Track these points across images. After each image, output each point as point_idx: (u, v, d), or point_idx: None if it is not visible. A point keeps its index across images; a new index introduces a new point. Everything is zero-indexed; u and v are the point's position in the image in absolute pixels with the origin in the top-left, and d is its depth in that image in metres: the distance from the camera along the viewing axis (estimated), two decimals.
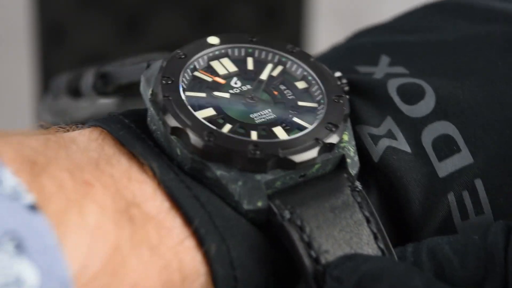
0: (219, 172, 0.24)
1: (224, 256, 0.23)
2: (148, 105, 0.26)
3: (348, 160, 0.26)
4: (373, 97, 0.28)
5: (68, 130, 0.25)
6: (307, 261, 0.24)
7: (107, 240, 0.20)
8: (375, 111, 0.28)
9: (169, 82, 0.26)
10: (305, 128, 0.26)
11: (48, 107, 0.38)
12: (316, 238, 0.24)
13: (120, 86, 0.32)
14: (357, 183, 0.26)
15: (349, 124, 0.27)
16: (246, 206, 0.24)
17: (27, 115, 0.97)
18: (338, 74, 0.29)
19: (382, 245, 0.25)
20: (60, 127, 0.26)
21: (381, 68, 0.30)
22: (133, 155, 0.24)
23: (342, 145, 0.26)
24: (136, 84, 0.29)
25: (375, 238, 0.25)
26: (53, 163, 0.21)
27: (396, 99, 0.28)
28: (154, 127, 0.26)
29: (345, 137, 0.27)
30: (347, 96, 0.28)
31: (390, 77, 0.29)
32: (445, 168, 0.27)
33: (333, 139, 0.26)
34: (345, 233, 0.25)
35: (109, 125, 0.25)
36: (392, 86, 0.28)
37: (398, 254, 0.25)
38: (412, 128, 0.27)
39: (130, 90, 0.31)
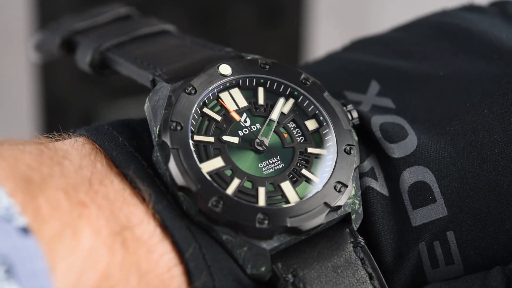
0: (225, 236, 0.25)
1: None
2: (155, 146, 0.26)
3: (353, 216, 0.27)
4: (360, 132, 0.28)
5: (59, 140, 0.25)
6: None
7: (99, 266, 0.20)
8: (361, 145, 0.28)
9: (178, 128, 0.26)
10: (313, 182, 0.26)
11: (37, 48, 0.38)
12: None
13: (116, 72, 0.32)
14: (360, 238, 0.26)
15: (356, 173, 0.27)
16: (249, 271, 0.25)
17: (27, 115, 0.97)
18: (350, 107, 0.28)
19: None
20: (52, 135, 0.26)
21: (369, 97, 0.30)
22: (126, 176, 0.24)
23: (349, 201, 0.26)
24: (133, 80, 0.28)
25: None
26: (49, 182, 0.21)
27: (379, 136, 0.28)
28: (161, 170, 0.26)
29: (352, 192, 0.27)
30: (357, 141, 0.28)
31: (375, 112, 0.29)
32: (419, 217, 0.27)
33: (342, 201, 0.26)
34: None
35: (103, 142, 0.25)
36: (376, 123, 0.28)
37: None
38: (393, 169, 0.28)
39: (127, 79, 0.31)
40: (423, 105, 0.29)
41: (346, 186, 0.26)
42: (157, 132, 0.26)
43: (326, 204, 0.25)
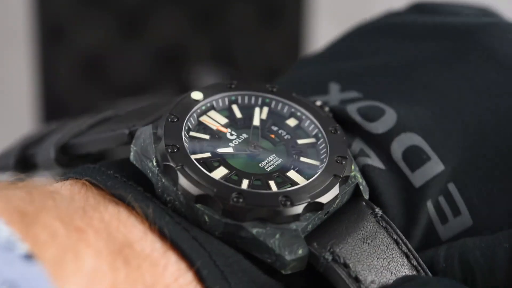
0: (255, 230, 0.25)
1: None
2: (157, 177, 0.26)
3: (361, 187, 0.27)
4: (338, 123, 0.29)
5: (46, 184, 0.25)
6: None
7: (104, 284, 0.20)
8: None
9: (175, 150, 0.26)
10: (315, 166, 0.27)
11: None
12: (361, 272, 0.25)
13: (87, 155, 0.32)
14: (377, 209, 0.27)
15: (349, 151, 0.28)
16: (288, 257, 0.25)
17: (27, 115, 0.97)
18: (318, 103, 0.30)
19: (415, 263, 0.26)
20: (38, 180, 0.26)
21: (334, 95, 0.31)
22: (120, 201, 0.24)
23: (352, 174, 0.27)
24: (106, 150, 0.28)
25: (407, 257, 0.26)
26: (43, 212, 0.21)
27: (359, 119, 0.29)
28: (169, 197, 0.25)
29: (352, 166, 0.27)
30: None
31: (347, 103, 0.30)
32: (419, 178, 0.28)
33: (347, 171, 0.27)
34: (383, 260, 0.25)
35: (95, 177, 0.25)
36: (352, 109, 0.29)
37: (431, 260, 0.26)
38: (381, 144, 0.28)
39: (101, 155, 0.31)
40: (389, 88, 0.30)
41: (346, 157, 0.27)
42: (155, 163, 0.26)
43: (335, 176, 0.26)
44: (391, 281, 0.25)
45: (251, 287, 0.24)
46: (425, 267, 0.25)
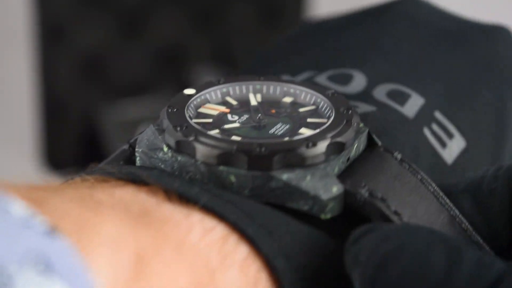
0: (285, 176, 0.24)
1: (277, 247, 0.23)
2: (171, 159, 0.25)
3: (373, 135, 0.27)
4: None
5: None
6: None
7: (128, 250, 0.20)
8: None
9: (184, 127, 0.26)
10: (323, 123, 0.26)
11: None
12: (398, 206, 0.24)
13: None
14: (396, 153, 0.26)
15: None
16: (324, 195, 0.24)
17: (27, 115, 0.97)
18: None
19: (443, 202, 0.25)
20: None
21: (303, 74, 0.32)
22: (134, 183, 0.24)
23: (361, 124, 0.27)
24: None
25: (435, 196, 0.25)
26: (56, 196, 0.21)
27: (332, 86, 0.30)
28: (189, 173, 0.25)
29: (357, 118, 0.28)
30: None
31: (316, 75, 0.31)
32: (410, 110, 0.29)
33: (357, 118, 0.26)
34: (415, 196, 0.25)
35: (108, 170, 0.25)
36: (322, 80, 0.30)
37: (476, 183, 0.25)
38: (363, 97, 0.29)
39: None
40: (352, 59, 0.32)
41: (351, 108, 0.27)
42: (165, 148, 0.25)
43: (347, 122, 0.26)
44: (425, 217, 0.25)
45: (296, 239, 0.23)
46: (451, 204, 0.25)
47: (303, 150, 0.24)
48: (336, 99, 0.27)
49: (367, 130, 0.27)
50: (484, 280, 0.20)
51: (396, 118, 0.29)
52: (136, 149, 0.26)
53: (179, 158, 0.25)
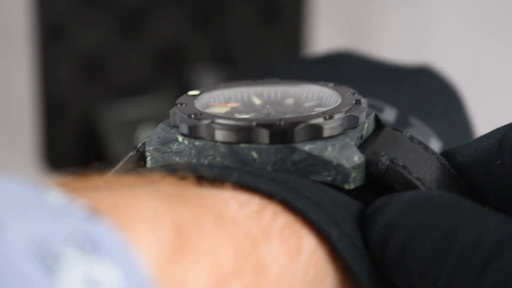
0: (307, 147, 0.24)
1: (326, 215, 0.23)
2: (188, 146, 0.25)
3: (380, 118, 0.28)
4: None
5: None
6: None
7: (168, 223, 0.20)
8: None
9: (199, 114, 0.25)
10: (331, 109, 0.27)
11: None
12: (419, 172, 0.25)
13: None
14: (405, 131, 0.27)
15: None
16: (347, 164, 0.24)
17: (27, 115, 0.97)
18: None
19: (455, 173, 0.26)
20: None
21: None
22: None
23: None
24: None
25: (446, 168, 0.26)
26: (87, 183, 0.21)
27: None
28: (208, 157, 0.25)
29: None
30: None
31: None
32: (388, 116, 0.31)
33: (364, 100, 0.27)
34: (430, 166, 0.26)
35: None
36: None
37: (486, 152, 0.25)
38: None
39: None
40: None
41: (356, 92, 0.27)
42: (180, 138, 0.25)
43: (356, 101, 0.26)
44: (441, 184, 0.25)
45: (341, 207, 0.24)
46: (460, 177, 0.26)
47: (321, 121, 0.25)
48: (339, 88, 0.28)
49: (374, 113, 0.27)
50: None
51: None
52: (147, 149, 0.26)
53: (196, 143, 0.25)
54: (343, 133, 0.25)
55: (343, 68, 0.36)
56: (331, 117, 0.25)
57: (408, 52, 1.00)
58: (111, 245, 0.18)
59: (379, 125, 0.27)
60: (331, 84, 0.28)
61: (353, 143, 0.25)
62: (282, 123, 0.24)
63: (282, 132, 0.24)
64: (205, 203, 0.21)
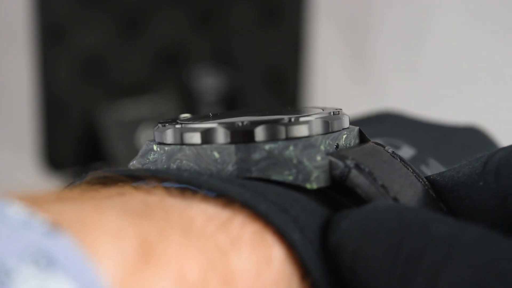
0: (267, 146, 0.24)
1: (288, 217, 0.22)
2: (160, 153, 0.26)
3: (366, 135, 0.27)
4: None
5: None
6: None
7: (131, 237, 0.20)
8: None
9: (171, 120, 0.26)
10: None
11: None
12: (386, 181, 0.24)
13: None
14: (388, 147, 0.26)
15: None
16: (308, 163, 0.24)
17: (27, 115, 0.97)
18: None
19: (433, 194, 0.25)
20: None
21: None
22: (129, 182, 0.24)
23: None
24: None
25: (425, 187, 0.25)
26: (54, 197, 0.21)
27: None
28: (176, 162, 0.25)
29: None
30: None
31: None
32: (403, 154, 0.29)
33: (345, 116, 0.27)
34: (404, 180, 0.25)
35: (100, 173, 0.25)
36: None
37: (468, 178, 0.25)
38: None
39: None
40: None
41: (340, 110, 0.27)
42: (155, 147, 0.26)
43: (333, 113, 0.26)
44: (415, 199, 0.24)
45: (307, 211, 0.23)
46: (439, 199, 0.25)
47: (285, 122, 0.24)
48: (326, 108, 0.27)
49: (358, 128, 0.27)
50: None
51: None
52: (131, 163, 0.27)
53: (166, 148, 0.25)
54: (311, 136, 0.25)
55: (391, 124, 0.35)
56: (297, 119, 0.25)
57: (408, 52, 1.00)
58: (68, 260, 0.17)
59: (363, 140, 0.27)
60: (321, 108, 0.28)
61: (322, 147, 0.25)
62: (244, 123, 0.24)
63: (242, 131, 0.24)
64: (172, 216, 0.21)
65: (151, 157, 0.26)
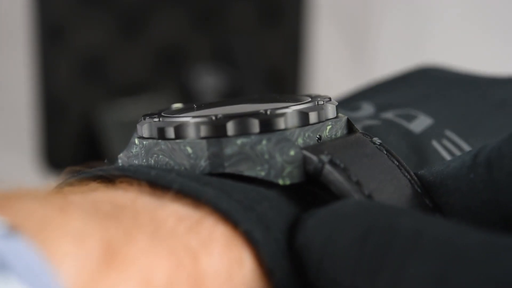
0: (239, 140, 0.24)
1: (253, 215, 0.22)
2: (140, 146, 0.25)
3: (354, 124, 0.26)
4: None
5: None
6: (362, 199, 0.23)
7: (94, 240, 0.19)
8: None
9: (150, 114, 0.26)
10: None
11: None
12: (362, 178, 0.23)
13: None
14: (375, 139, 0.25)
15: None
16: (280, 157, 0.23)
17: (26, 115, 0.97)
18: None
19: (419, 190, 0.24)
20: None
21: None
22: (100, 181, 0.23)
23: (340, 114, 0.26)
24: None
25: (410, 182, 0.24)
26: (23, 199, 0.21)
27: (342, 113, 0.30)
28: (154, 157, 0.25)
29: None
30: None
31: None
32: (417, 126, 0.28)
33: (332, 103, 0.26)
34: (386, 175, 0.24)
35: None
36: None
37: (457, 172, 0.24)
38: (374, 116, 0.29)
39: None
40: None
41: (327, 98, 0.26)
42: (137, 141, 0.26)
43: (318, 102, 0.25)
44: (395, 195, 0.23)
45: (275, 209, 0.23)
46: (427, 194, 0.24)
47: (260, 115, 0.24)
48: (312, 95, 0.27)
49: (346, 117, 0.26)
50: None
51: (402, 132, 0.28)
52: (119, 156, 0.26)
53: (144, 142, 0.25)
54: (286, 128, 0.24)
55: (422, 87, 0.34)
56: (272, 112, 0.24)
57: (409, 53, 1.00)
58: (23, 264, 0.17)
59: (351, 130, 0.26)
60: (313, 95, 0.27)
61: (300, 141, 0.24)
62: (217, 117, 0.24)
63: (215, 126, 0.24)
64: (141, 217, 0.21)
65: (133, 150, 0.26)
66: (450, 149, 0.28)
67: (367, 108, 0.30)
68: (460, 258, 0.18)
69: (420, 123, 0.29)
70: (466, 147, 0.28)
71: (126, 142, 0.27)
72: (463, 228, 0.19)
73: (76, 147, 0.99)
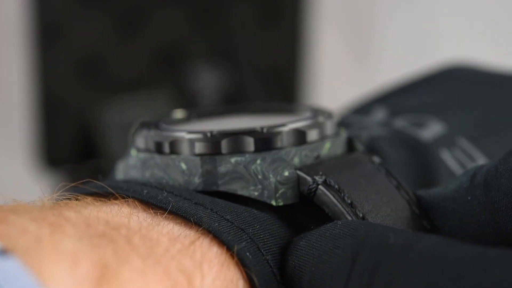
0: (233, 159, 0.23)
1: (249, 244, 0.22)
2: (136, 158, 0.25)
3: (356, 143, 0.26)
4: None
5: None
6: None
7: (89, 261, 0.19)
8: None
9: (147, 124, 0.26)
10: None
11: None
12: (357, 199, 0.23)
13: None
14: (375, 158, 0.25)
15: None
16: (273, 178, 0.23)
17: (24, 114, 0.97)
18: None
19: (417, 211, 0.24)
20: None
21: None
22: (98, 197, 0.23)
23: (341, 131, 0.26)
24: None
25: (409, 203, 0.24)
26: (12, 215, 0.20)
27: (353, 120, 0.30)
28: (149, 170, 0.24)
29: (343, 131, 0.26)
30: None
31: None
32: (427, 134, 0.28)
33: (331, 120, 0.25)
34: (382, 196, 0.23)
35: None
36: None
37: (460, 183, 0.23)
38: (383, 124, 0.29)
39: None
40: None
41: (327, 113, 0.26)
42: (133, 153, 0.25)
43: (316, 122, 0.25)
44: (390, 217, 0.23)
45: (267, 231, 0.22)
46: (425, 216, 0.24)
47: (255, 133, 0.23)
48: (313, 108, 0.26)
49: (345, 135, 0.26)
50: None
51: (411, 139, 0.28)
52: (116, 165, 0.26)
53: (140, 155, 0.25)
54: (282, 147, 0.24)
55: (442, 89, 0.34)
56: (268, 130, 0.24)
57: (410, 53, 1.00)
58: (16, 286, 0.17)
59: (352, 148, 0.26)
60: (313, 108, 0.26)
61: (296, 160, 0.24)
62: (212, 133, 0.24)
63: (209, 143, 0.23)
64: (135, 238, 0.21)
65: (131, 162, 0.25)
66: (460, 159, 0.28)
67: (379, 113, 0.30)
68: (449, 270, 0.18)
69: (432, 130, 0.28)
70: (479, 156, 0.28)
71: (123, 141, 0.27)
72: (452, 242, 0.19)
73: (73, 146, 0.99)
